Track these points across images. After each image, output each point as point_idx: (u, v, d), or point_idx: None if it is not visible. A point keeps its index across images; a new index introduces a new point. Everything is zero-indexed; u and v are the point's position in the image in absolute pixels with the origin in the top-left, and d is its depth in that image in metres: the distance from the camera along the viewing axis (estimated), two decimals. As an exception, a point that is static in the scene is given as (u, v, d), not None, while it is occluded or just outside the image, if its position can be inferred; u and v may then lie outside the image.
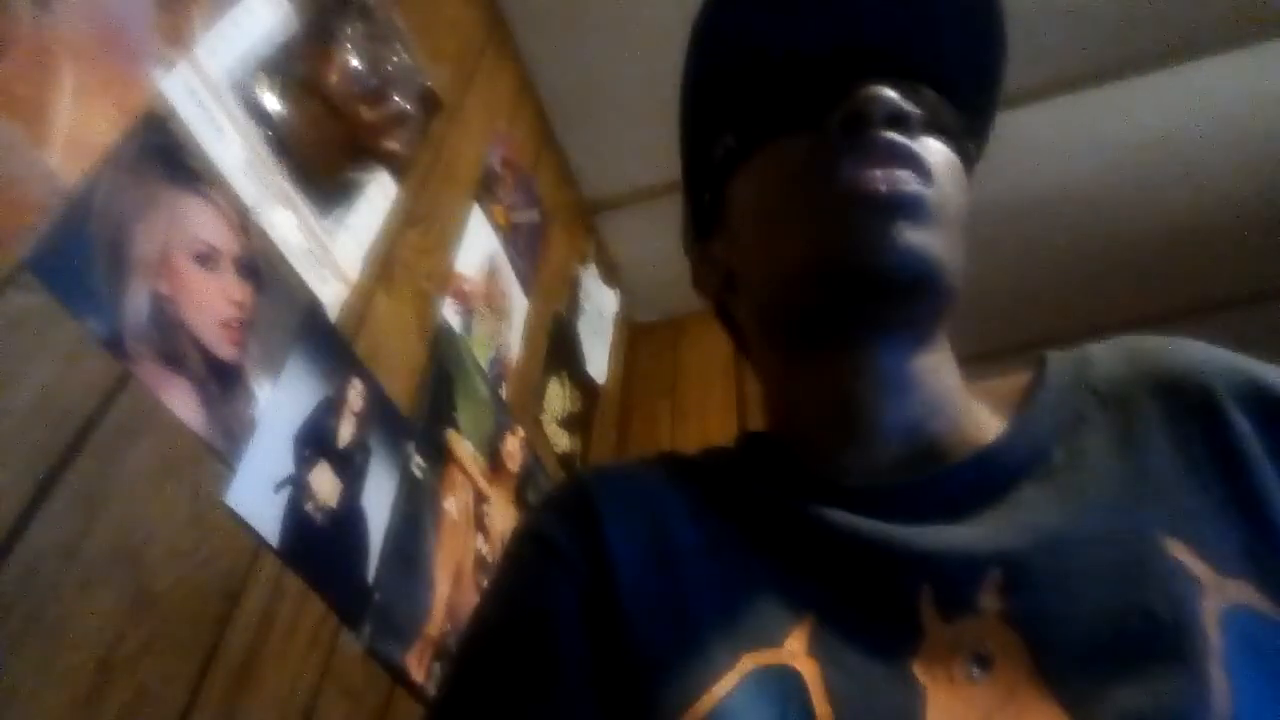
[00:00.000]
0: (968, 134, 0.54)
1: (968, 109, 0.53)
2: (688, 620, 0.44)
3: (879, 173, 0.46)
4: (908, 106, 0.48)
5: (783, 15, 0.52)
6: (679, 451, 0.58)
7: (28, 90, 0.64)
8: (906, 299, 0.48)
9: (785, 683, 0.40)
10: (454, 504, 1.15)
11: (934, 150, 0.49)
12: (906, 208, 0.46)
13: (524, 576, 0.50)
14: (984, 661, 0.38)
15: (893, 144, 0.47)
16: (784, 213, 0.50)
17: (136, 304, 0.70)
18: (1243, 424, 0.44)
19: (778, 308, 0.53)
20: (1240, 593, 0.38)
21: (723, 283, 0.58)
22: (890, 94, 0.48)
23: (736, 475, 0.52)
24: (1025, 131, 1.73)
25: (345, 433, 0.94)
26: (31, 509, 0.58)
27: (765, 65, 0.53)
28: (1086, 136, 1.80)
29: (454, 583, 1.10)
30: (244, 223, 0.84)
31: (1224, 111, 1.75)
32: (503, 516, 1.28)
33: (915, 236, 0.46)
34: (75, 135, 0.67)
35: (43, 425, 0.61)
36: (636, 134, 1.74)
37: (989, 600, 0.40)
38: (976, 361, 0.58)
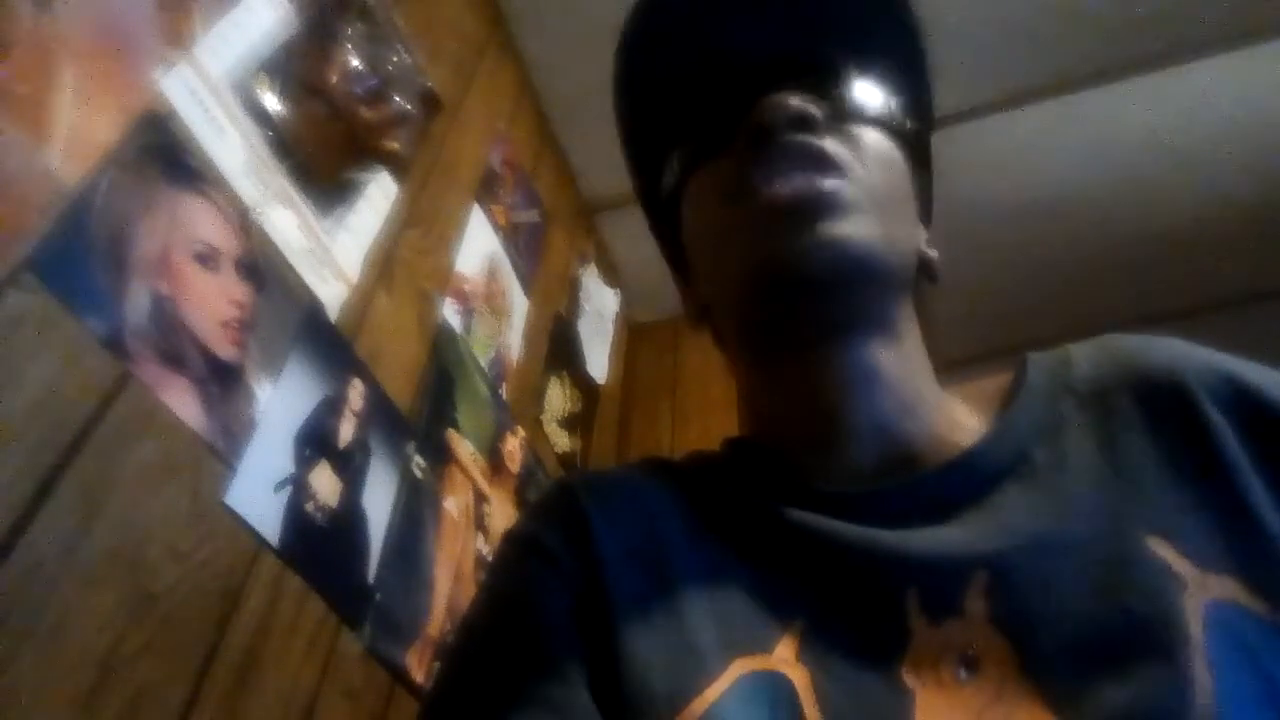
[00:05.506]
0: (907, 113, 0.55)
1: (900, 87, 0.55)
2: (678, 621, 0.44)
3: (784, 178, 0.47)
4: (809, 108, 0.49)
5: (686, 43, 0.54)
6: (665, 457, 0.59)
7: (28, 90, 0.64)
8: (841, 292, 0.48)
9: (776, 688, 0.40)
10: (454, 504, 1.15)
11: (854, 139, 0.50)
12: (815, 205, 0.47)
13: (515, 579, 0.50)
14: (971, 663, 0.39)
15: (795, 146, 0.48)
16: (717, 234, 0.52)
17: (137, 304, 0.70)
18: (1220, 422, 0.44)
19: (736, 323, 0.54)
20: (1224, 588, 0.38)
21: (700, 313, 0.59)
22: (788, 99, 0.49)
23: (721, 481, 0.52)
24: (1024, 132, 1.73)
25: (345, 433, 0.94)
26: (31, 509, 0.58)
27: (681, 97, 0.55)
28: (1085, 137, 1.80)
29: (454, 583, 1.10)
30: (244, 223, 0.84)
31: (1223, 111, 1.75)
32: (503, 517, 1.28)
33: (833, 230, 0.46)
34: (76, 135, 0.67)
35: (43, 425, 0.61)
36: (637, 134, 1.73)
37: (974, 602, 0.40)
38: (975, 362, 0.58)
